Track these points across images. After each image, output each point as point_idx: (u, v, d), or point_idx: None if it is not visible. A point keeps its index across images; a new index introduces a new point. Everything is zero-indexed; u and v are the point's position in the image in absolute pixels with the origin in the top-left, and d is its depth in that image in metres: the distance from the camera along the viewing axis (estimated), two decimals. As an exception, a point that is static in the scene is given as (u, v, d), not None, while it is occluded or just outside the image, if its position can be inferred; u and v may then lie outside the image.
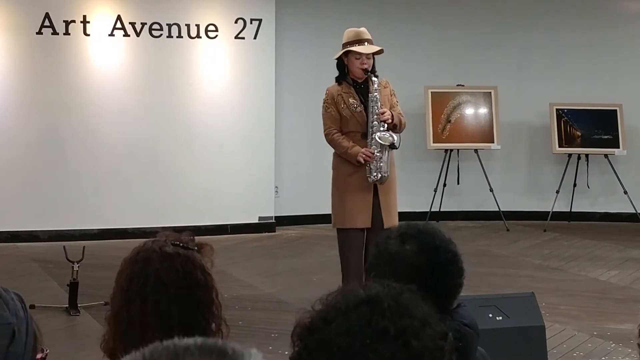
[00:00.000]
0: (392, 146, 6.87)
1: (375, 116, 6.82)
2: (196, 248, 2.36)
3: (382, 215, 6.87)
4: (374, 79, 6.85)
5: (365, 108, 6.89)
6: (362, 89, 6.93)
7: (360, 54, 6.82)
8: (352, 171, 6.89)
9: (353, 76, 6.93)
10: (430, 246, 2.61)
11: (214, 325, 2.34)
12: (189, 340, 1.15)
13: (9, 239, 10.02)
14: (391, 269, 2.57)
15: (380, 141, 6.81)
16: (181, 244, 2.34)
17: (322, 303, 1.62)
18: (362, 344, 1.53)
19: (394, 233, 2.67)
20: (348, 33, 6.97)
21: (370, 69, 6.88)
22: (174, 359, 1.14)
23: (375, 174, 6.85)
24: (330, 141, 6.96)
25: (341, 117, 6.92)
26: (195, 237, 2.47)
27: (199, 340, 1.15)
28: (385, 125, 6.84)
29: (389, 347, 1.53)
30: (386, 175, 6.87)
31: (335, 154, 7.06)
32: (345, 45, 6.90)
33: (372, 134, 6.85)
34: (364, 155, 6.79)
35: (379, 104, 6.83)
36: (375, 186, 6.90)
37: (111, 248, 9.50)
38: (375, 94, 6.83)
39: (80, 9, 10.28)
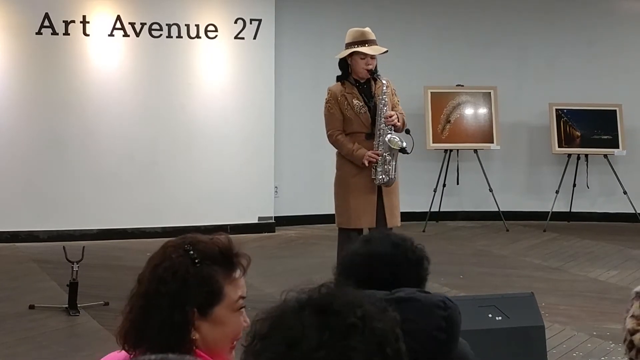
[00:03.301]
0: (403, 151, 6.86)
1: (383, 119, 6.82)
2: (197, 261, 2.20)
3: (386, 215, 6.88)
4: (383, 81, 6.85)
5: (369, 109, 6.88)
6: (365, 89, 6.92)
7: (365, 54, 6.80)
8: (355, 172, 6.89)
9: (356, 76, 6.91)
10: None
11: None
12: (176, 357, 1.12)
13: (9, 239, 10.01)
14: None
15: (390, 145, 6.80)
16: (191, 251, 2.23)
17: (265, 328, 1.59)
18: (338, 347, 1.53)
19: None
20: (353, 33, 6.93)
21: (374, 70, 6.88)
22: None
23: (382, 176, 6.84)
24: (334, 142, 6.93)
25: (344, 117, 6.90)
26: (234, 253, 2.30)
27: (184, 358, 1.13)
28: (393, 128, 6.84)
29: (360, 339, 1.54)
30: (393, 178, 6.87)
31: (338, 154, 7.04)
32: (350, 44, 6.86)
33: (379, 136, 6.84)
34: (369, 159, 6.78)
35: (386, 107, 6.84)
36: (379, 186, 6.90)
37: (111, 248, 9.51)
38: (385, 97, 6.83)
39: (80, 9, 10.27)
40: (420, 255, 2.73)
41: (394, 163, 6.87)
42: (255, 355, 1.56)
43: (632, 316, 1.63)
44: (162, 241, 2.34)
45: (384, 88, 6.84)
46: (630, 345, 1.62)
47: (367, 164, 6.80)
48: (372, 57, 6.85)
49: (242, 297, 2.27)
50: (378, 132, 6.84)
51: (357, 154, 6.81)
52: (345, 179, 6.95)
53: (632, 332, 1.62)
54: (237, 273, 2.27)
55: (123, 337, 2.21)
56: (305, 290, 1.64)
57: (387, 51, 6.96)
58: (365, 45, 6.82)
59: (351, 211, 6.88)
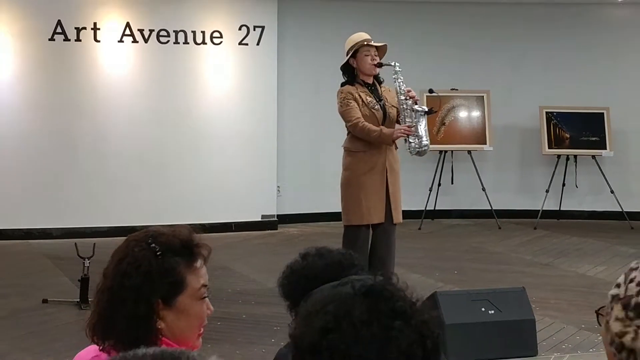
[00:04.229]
0: (430, 112, 6.93)
1: (403, 93, 6.84)
2: (159, 253, 2.18)
3: (392, 211, 6.88)
4: (393, 63, 6.87)
5: (382, 107, 6.89)
6: (374, 91, 6.93)
7: (369, 50, 6.81)
8: (365, 170, 6.85)
9: (363, 75, 6.89)
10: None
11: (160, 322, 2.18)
12: (148, 350, 1.11)
13: (23, 236, 10.02)
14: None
15: (419, 108, 6.84)
16: (152, 244, 2.20)
17: (318, 304, 1.61)
18: (383, 327, 1.55)
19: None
20: (352, 37, 6.95)
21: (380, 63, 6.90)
22: None
23: (414, 143, 6.84)
24: (361, 129, 6.74)
25: (361, 113, 6.87)
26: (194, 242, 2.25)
27: (157, 349, 1.11)
28: (412, 100, 6.88)
29: (405, 324, 1.56)
30: (427, 144, 6.90)
31: (346, 155, 6.97)
32: (352, 47, 6.86)
33: (405, 110, 6.85)
34: (401, 130, 6.78)
35: (404, 84, 6.88)
36: (386, 184, 6.87)
37: (120, 245, 9.50)
38: (399, 75, 6.87)
39: (91, 16, 10.28)
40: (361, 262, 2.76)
41: (424, 128, 6.88)
42: (305, 325, 1.59)
43: (617, 319, 1.62)
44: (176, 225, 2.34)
45: (397, 68, 6.89)
46: (620, 347, 1.61)
47: (402, 136, 6.80)
48: (376, 52, 6.86)
49: (204, 286, 2.24)
50: (402, 107, 6.85)
51: (385, 132, 6.74)
52: (356, 178, 6.88)
53: (621, 335, 1.61)
54: (199, 263, 2.23)
55: (92, 330, 2.19)
56: (360, 278, 1.67)
57: (385, 45, 6.98)
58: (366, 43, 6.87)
59: (364, 208, 6.83)
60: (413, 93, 6.90)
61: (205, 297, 2.24)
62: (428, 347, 1.57)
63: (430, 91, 7.02)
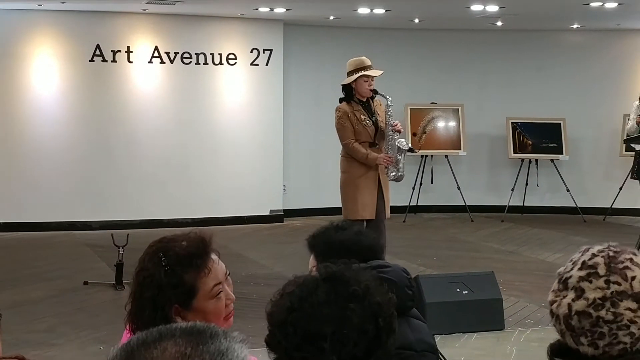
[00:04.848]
0: (411, 150, 6.92)
1: (391, 127, 6.83)
2: (167, 268, 2.11)
3: (384, 208, 6.88)
4: (387, 96, 6.85)
5: (374, 122, 6.87)
6: (367, 107, 6.91)
7: (368, 77, 6.79)
8: (361, 173, 6.86)
9: (359, 96, 6.87)
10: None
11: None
12: (178, 324, 1.10)
13: (67, 227, 10.01)
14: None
15: (400, 146, 6.82)
16: (163, 258, 2.13)
17: (290, 287, 1.65)
18: (340, 307, 1.58)
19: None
20: (354, 61, 6.89)
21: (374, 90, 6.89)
22: (157, 339, 1.07)
23: (393, 173, 6.87)
24: (352, 149, 6.82)
25: (354, 130, 6.87)
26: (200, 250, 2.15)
27: (189, 324, 1.10)
28: (398, 134, 6.86)
29: (359, 305, 1.59)
30: (403, 174, 6.90)
31: (344, 160, 6.96)
32: (354, 71, 6.81)
33: (389, 141, 6.84)
34: (384, 160, 6.78)
35: (392, 118, 6.87)
36: (379, 185, 6.87)
37: (150, 235, 9.40)
38: (390, 109, 6.86)
39: (125, 41, 10.27)
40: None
41: (403, 161, 6.87)
42: (276, 305, 1.63)
43: (552, 290, 1.70)
44: (191, 230, 2.29)
45: (389, 102, 6.85)
46: (551, 313, 1.69)
47: (383, 164, 6.80)
48: (373, 78, 6.85)
49: (217, 284, 2.15)
50: (388, 138, 6.84)
51: (370, 157, 6.78)
52: (353, 180, 6.87)
53: (551, 303, 1.68)
54: (207, 268, 2.14)
55: (129, 323, 2.18)
56: (328, 265, 1.69)
57: (382, 72, 6.97)
58: (368, 70, 6.82)
59: (359, 205, 6.84)
60: (399, 127, 6.88)
61: (219, 294, 2.15)
62: (380, 324, 1.59)
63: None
